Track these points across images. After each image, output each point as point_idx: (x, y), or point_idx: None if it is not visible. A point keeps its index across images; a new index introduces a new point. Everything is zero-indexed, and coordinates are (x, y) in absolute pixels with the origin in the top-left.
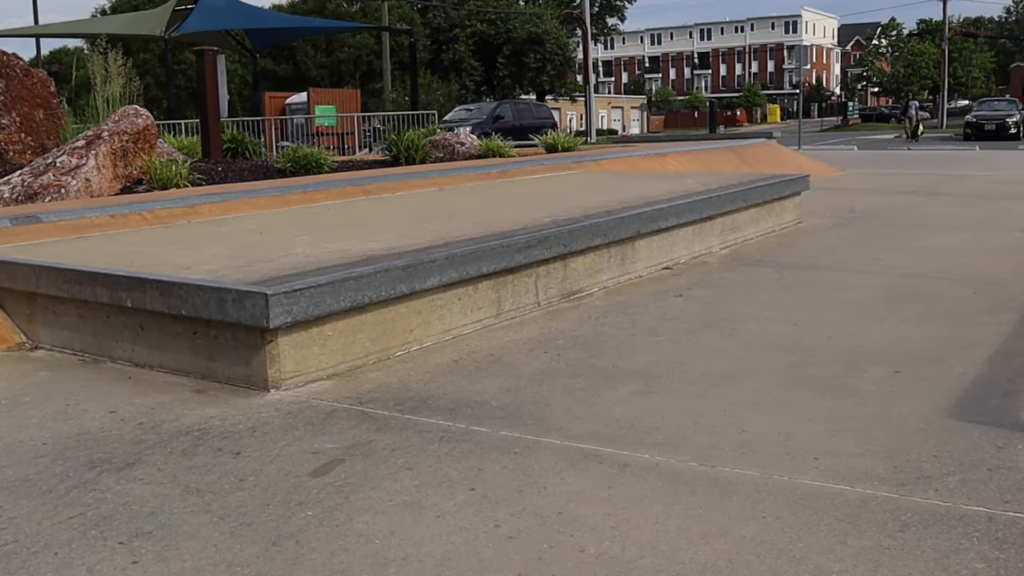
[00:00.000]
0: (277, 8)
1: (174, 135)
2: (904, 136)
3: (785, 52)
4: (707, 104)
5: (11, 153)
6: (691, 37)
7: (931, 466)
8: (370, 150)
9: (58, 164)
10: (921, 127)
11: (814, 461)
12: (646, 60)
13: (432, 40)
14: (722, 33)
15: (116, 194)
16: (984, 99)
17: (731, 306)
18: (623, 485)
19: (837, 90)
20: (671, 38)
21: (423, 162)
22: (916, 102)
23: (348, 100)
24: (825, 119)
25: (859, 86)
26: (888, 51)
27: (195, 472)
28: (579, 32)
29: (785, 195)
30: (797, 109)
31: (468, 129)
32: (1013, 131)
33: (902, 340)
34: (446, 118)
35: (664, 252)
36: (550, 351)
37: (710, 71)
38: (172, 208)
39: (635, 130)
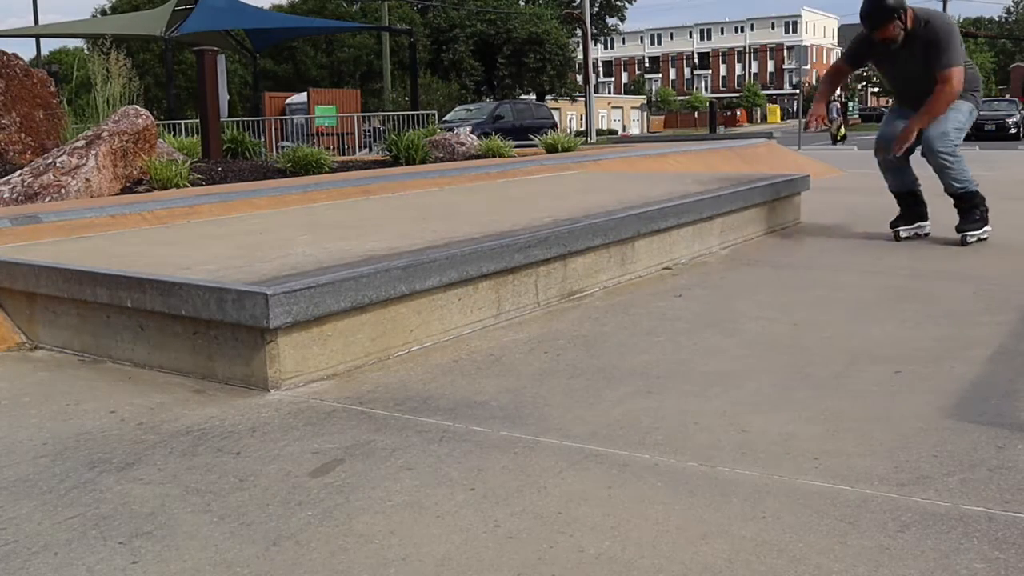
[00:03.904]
0: (277, 8)
1: (174, 135)
2: (832, 140)
3: (785, 52)
4: (707, 104)
5: (11, 153)
6: (691, 37)
7: (931, 466)
8: (370, 150)
9: (58, 164)
10: (843, 130)
11: (814, 461)
12: (646, 60)
13: (432, 40)
14: (722, 33)
15: (116, 194)
16: (984, 99)
17: (731, 306)
18: (623, 485)
19: (837, 90)
20: (671, 38)
21: (423, 162)
22: (837, 104)
23: (348, 100)
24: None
25: (859, 86)
26: None
27: (195, 472)
28: (579, 32)
29: (785, 195)
30: (797, 109)
31: (468, 129)
32: (1013, 131)
33: (902, 340)
34: (446, 118)
35: (664, 252)
36: (550, 351)
37: (710, 71)
38: (172, 208)
39: (635, 130)
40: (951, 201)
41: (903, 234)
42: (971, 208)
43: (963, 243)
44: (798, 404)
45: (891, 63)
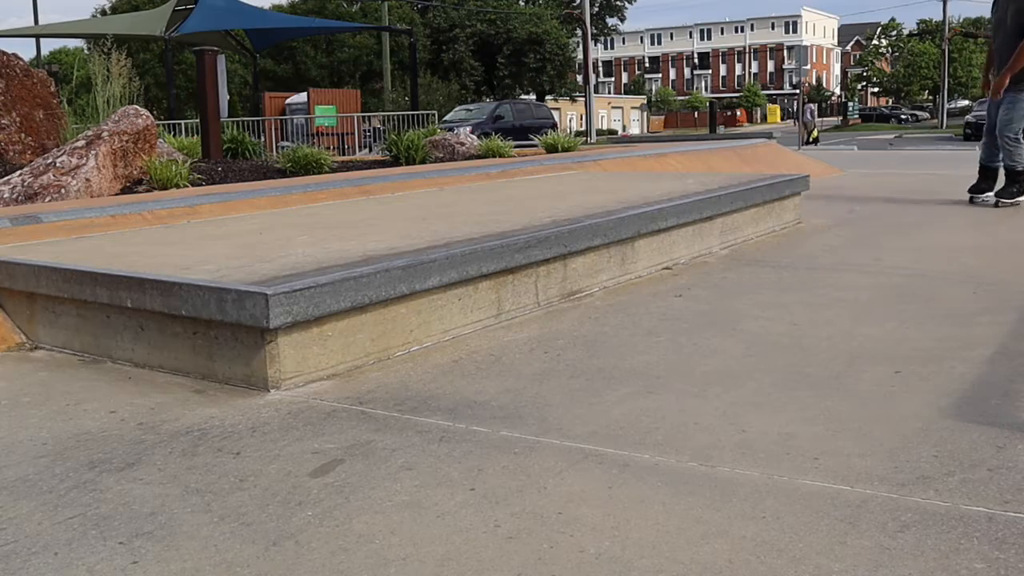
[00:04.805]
0: (277, 8)
1: (174, 135)
2: (801, 142)
3: (785, 52)
4: (707, 104)
5: (11, 153)
6: (691, 37)
7: (931, 466)
8: (370, 150)
9: (58, 164)
10: (816, 131)
11: (814, 461)
12: (646, 60)
13: (432, 40)
14: (722, 33)
15: (116, 194)
16: (984, 99)
17: (731, 306)
18: (623, 485)
19: (837, 90)
20: (671, 38)
21: (423, 162)
22: (812, 105)
23: (348, 100)
24: (825, 119)
25: (859, 86)
26: (888, 51)
27: (195, 472)
28: (579, 32)
29: (785, 195)
30: (797, 109)
31: (468, 129)
32: None
33: (902, 340)
34: (446, 118)
35: (664, 252)
36: (550, 351)
37: (710, 71)
38: (172, 208)
39: (635, 130)
40: (951, 199)
41: (977, 200)
42: (1012, 182)
43: (996, 205)
44: (798, 404)
45: (993, 24)
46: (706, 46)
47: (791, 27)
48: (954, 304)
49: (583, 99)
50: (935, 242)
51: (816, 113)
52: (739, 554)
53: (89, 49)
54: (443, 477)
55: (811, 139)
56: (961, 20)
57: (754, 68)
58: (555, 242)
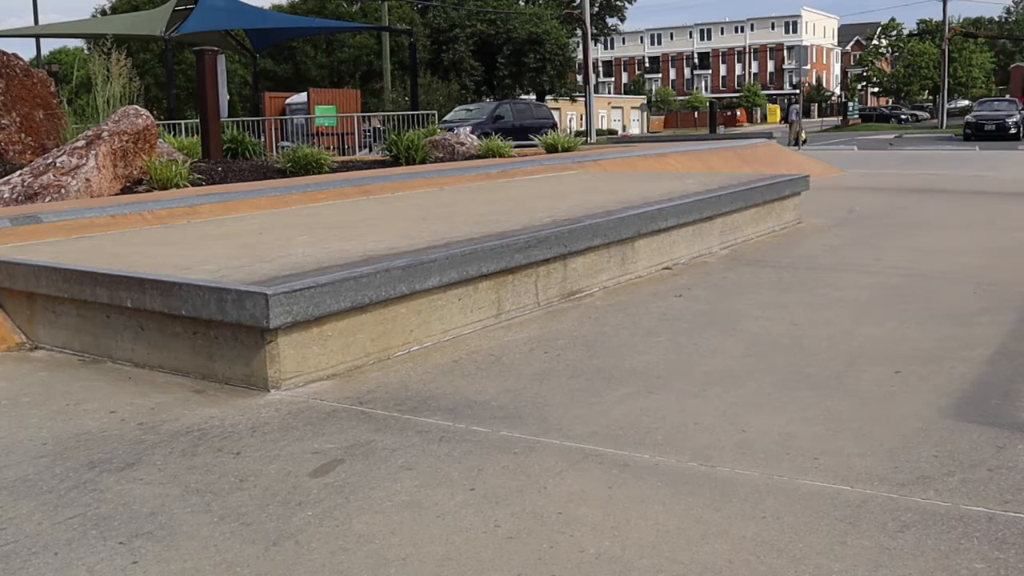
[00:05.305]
0: (277, 8)
1: (174, 135)
2: (793, 143)
3: (785, 52)
4: (707, 104)
5: (11, 153)
6: (691, 37)
7: (931, 466)
8: (370, 150)
9: (58, 164)
10: (803, 133)
11: (814, 461)
12: (646, 60)
13: (432, 40)
14: (722, 33)
15: (116, 194)
16: (984, 99)
17: (731, 306)
18: (623, 485)
19: (837, 90)
20: (671, 38)
21: (423, 162)
22: (798, 106)
23: (348, 100)
24: (825, 119)
25: (859, 86)
26: (888, 51)
27: (195, 472)
28: (579, 32)
29: (785, 195)
30: (788, 111)
31: (468, 129)
32: (1013, 131)
33: (902, 340)
34: (446, 118)
35: (664, 252)
36: (550, 351)
37: (710, 71)
38: (172, 208)
39: (635, 130)
40: (951, 199)
41: None
42: None
43: None
44: (798, 404)
45: None
46: (706, 46)
47: (791, 27)
48: (954, 304)
49: (583, 99)
50: (935, 242)
51: (800, 114)
52: (739, 554)
53: (89, 49)
54: (443, 477)
55: (800, 141)
56: (961, 20)
57: (754, 68)
58: (555, 242)
